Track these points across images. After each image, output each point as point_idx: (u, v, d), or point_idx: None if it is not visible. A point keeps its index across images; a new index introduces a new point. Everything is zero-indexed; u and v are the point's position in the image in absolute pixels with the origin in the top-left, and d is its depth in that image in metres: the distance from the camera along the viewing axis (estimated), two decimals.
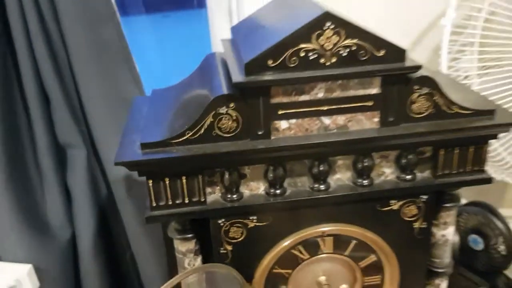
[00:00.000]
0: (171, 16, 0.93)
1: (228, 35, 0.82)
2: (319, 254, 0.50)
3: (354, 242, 0.49)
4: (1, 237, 0.71)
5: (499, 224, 0.85)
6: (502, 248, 0.86)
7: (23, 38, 0.64)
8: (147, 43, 0.91)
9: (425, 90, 0.43)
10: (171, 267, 0.51)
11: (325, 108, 0.43)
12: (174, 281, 0.44)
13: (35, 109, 0.68)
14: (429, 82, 0.43)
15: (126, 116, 0.72)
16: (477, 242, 0.89)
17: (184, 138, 0.42)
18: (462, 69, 0.75)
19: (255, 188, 0.46)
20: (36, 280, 0.72)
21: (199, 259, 0.49)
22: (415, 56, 0.90)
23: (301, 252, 0.49)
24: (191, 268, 0.47)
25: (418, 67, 0.42)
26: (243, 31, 0.49)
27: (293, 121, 0.43)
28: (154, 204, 0.44)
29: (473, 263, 0.88)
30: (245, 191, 0.46)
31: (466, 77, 0.76)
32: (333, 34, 0.40)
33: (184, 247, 0.48)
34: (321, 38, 0.40)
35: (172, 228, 0.48)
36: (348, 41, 0.40)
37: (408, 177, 0.47)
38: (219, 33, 0.92)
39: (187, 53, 0.98)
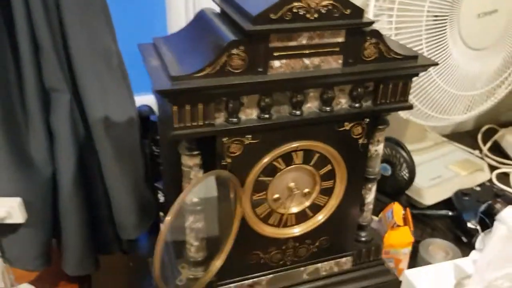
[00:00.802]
0: None
1: None
2: (292, 165, 0.66)
3: (317, 155, 0.66)
4: None
5: (404, 154, 1.08)
6: (405, 172, 1.10)
7: None
8: None
9: (373, 40, 0.61)
10: (178, 179, 0.64)
11: (306, 51, 0.58)
12: (195, 183, 0.58)
13: (26, 56, 0.75)
14: (376, 34, 0.60)
15: (104, 64, 0.82)
16: (386, 169, 1.12)
17: (205, 73, 0.55)
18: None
19: (249, 114, 0.61)
20: (25, 212, 0.80)
21: (201, 172, 0.63)
22: None
23: (279, 163, 0.65)
24: (203, 175, 0.61)
25: (371, 23, 0.59)
26: None
27: (284, 61, 0.58)
28: (177, 126, 0.57)
29: (383, 186, 1.10)
30: (242, 116, 0.61)
31: None
32: None
33: (192, 161, 0.61)
34: None
35: (183, 146, 0.61)
36: (326, 2, 0.56)
37: (357, 105, 0.65)
38: None
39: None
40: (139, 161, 0.91)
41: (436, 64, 0.65)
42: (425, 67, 0.64)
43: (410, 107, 0.68)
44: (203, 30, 0.63)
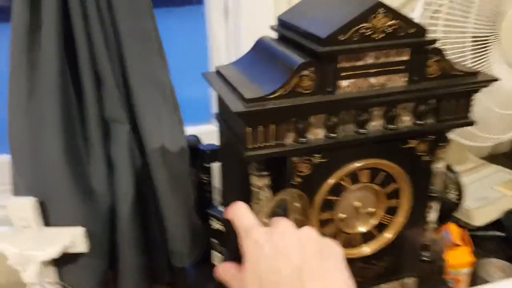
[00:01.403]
0: (173, 11, 1.05)
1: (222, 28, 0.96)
2: (358, 183, 0.67)
3: (382, 173, 0.67)
4: (57, 201, 0.80)
5: (452, 175, 1.07)
6: (454, 195, 1.09)
7: (81, 23, 0.74)
8: None
9: (436, 58, 0.62)
10: (247, 198, 0.65)
11: (373, 70, 0.60)
12: (276, 198, 0.58)
13: (88, 89, 0.78)
14: (439, 52, 0.62)
15: (160, 96, 0.85)
16: None
17: (277, 94, 0.57)
18: None
19: (317, 133, 0.62)
20: (87, 242, 0.82)
21: (270, 192, 0.64)
22: None
23: (346, 182, 0.66)
24: (280, 192, 0.61)
25: (435, 41, 0.60)
26: (298, 18, 0.65)
27: (351, 80, 0.60)
28: (250, 146, 0.58)
29: None
30: (310, 135, 0.62)
31: None
32: (383, 17, 0.57)
33: (261, 182, 0.62)
34: (375, 19, 0.57)
35: (252, 167, 0.62)
36: (392, 22, 0.58)
37: (421, 122, 0.66)
38: (216, 28, 1.05)
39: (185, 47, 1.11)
40: (189, 189, 0.93)
41: (497, 79, 0.66)
42: (486, 82, 0.65)
43: (471, 123, 0.68)
44: (266, 56, 0.65)
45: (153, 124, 0.84)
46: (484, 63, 0.95)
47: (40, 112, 0.76)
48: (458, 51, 0.93)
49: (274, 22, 0.71)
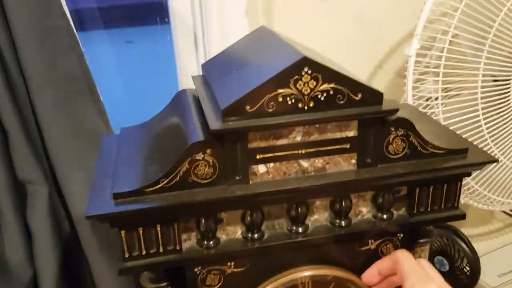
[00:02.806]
0: (134, 42, 0.91)
1: (192, 61, 0.81)
2: None
3: (333, 283, 0.49)
4: None
5: (463, 245, 0.87)
6: (467, 268, 0.88)
7: None
8: (107, 67, 0.88)
9: (401, 132, 0.43)
10: None
11: (303, 151, 0.42)
12: None
13: None
14: (405, 123, 0.43)
15: (90, 149, 0.70)
16: (443, 264, 0.91)
17: (159, 186, 0.40)
18: (426, 90, 0.77)
19: (232, 232, 0.45)
20: None
21: None
22: (378, 78, 0.93)
23: None
24: None
25: (395, 110, 0.42)
26: (216, 71, 0.48)
27: (271, 165, 0.42)
28: (127, 255, 0.42)
29: None
30: (222, 236, 0.45)
31: (428, 99, 0.77)
32: (310, 79, 0.39)
33: None
34: (299, 83, 0.39)
35: (145, 276, 0.46)
36: (325, 86, 0.40)
37: (385, 215, 0.47)
38: (184, 57, 0.90)
39: (151, 78, 0.96)
40: None
41: (496, 161, 0.46)
42: (479, 165, 0.46)
43: (461, 217, 0.49)
44: (174, 123, 0.48)
45: (80, 184, 0.70)
46: (502, 110, 0.75)
47: None
48: (467, 93, 0.73)
49: None
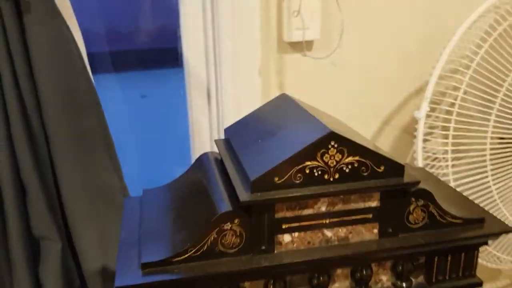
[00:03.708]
0: (148, 96, 0.93)
1: (204, 114, 0.82)
2: None
3: None
4: None
5: None
6: None
7: (1, 123, 0.62)
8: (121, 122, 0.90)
9: (421, 202, 0.45)
10: None
11: (327, 221, 0.43)
12: None
13: (9, 200, 0.65)
14: (425, 194, 0.45)
15: (105, 206, 0.71)
16: None
17: (187, 255, 0.41)
18: (433, 149, 0.79)
19: None
20: None
21: None
22: (386, 134, 0.95)
23: None
24: None
25: (416, 183, 0.43)
26: (240, 138, 0.50)
27: (296, 234, 0.43)
28: None
29: None
30: None
31: (435, 159, 0.79)
32: (336, 152, 0.41)
33: None
34: (326, 156, 0.41)
35: None
36: (350, 158, 0.41)
37: (404, 284, 0.48)
38: (196, 112, 0.92)
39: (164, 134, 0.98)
40: None
41: (511, 231, 0.47)
42: (496, 235, 0.47)
43: (479, 285, 0.49)
44: (199, 188, 0.49)
45: (93, 241, 0.70)
46: (510, 170, 0.76)
47: None
48: (476, 156, 0.75)
49: None
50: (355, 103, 0.90)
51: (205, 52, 0.88)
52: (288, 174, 0.41)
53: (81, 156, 0.68)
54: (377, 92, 0.92)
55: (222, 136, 0.85)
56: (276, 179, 0.41)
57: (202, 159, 0.54)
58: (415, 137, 0.77)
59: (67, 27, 0.64)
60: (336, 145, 0.41)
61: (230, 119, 0.86)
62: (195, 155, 0.97)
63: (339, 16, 0.81)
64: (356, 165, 0.42)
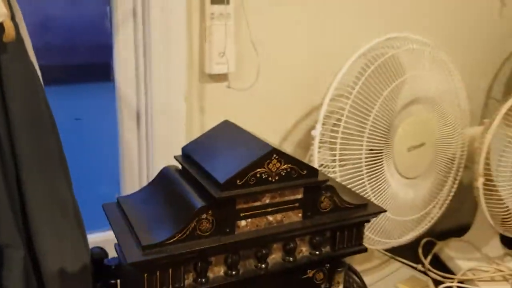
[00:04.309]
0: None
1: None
2: None
3: None
4: None
5: (356, 278, 1.11)
6: None
7: None
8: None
9: (328, 194, 0.66)
10: None
11: (269, 209, 0.62)
12: None
13: None
14: (331, 188, 0.66)
15: (60, 216, 0.81)
16: None
17: (175, 239, 0.57)
18: (321, 160, 1.02)
19: (217, 271, 0.63)
20: None
21: None
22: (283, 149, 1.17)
23: None
24: None
25: (326, 181, 0.64)
26: (199, 153, 0.67)
27: (249, 220, 0.62)
28: None
29: None
30: (210, 274, 0.62)
31: (326, 166, 1.03)
32: (277, 162, 0.60)
33: None
34: (270, 164, 0.60)
35: None
36: (285, 166, 0.61)
37: (317, 252, 0.69)
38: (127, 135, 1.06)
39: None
40: None
41: (385, 211, 0.71)
42: (375, 214, 0.70)
43: (365, 250, 0.72)
44: (168, 191, 0.66)
45: (52, 245, 0.80)
46: (379, 175, 1.03)
47: None
48: (355, 163, 1.00)
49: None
50: (260, 123, 1.12)
51: (136, 80, 1.03)
52: (246, 178, 0.59)
53: (42, 174, 0.78)
54: (276, 115, 1.14)
55: (151, 157, 1.01)
56: (238, 181, 0.59)
57: (164, 171, 0.70)
58: (309, 150, 1.00)
59: (32, 64, 0.75)
60: (277, 157, 0.60)
61: (159, 140, 1.02)
62: (124, 175, 1.09)
63: (256, 59, 1.02)
64: (289, 170, 0.62)
